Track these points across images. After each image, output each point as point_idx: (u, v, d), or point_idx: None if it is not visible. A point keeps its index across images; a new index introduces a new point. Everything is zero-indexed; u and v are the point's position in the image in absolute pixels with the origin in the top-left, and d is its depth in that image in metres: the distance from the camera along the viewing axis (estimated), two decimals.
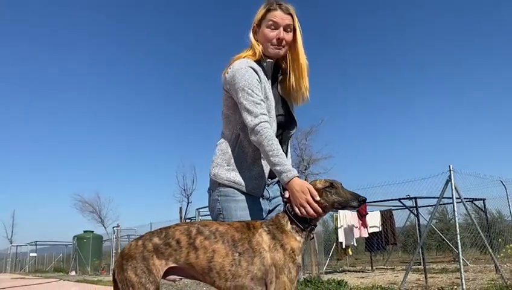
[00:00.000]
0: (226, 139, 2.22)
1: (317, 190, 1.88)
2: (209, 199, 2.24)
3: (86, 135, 51.90)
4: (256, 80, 2.11)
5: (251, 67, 2.13)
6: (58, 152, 55.59)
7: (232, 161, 2.16)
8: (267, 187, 2.24)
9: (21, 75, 50.14)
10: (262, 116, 2.03)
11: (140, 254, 1.77)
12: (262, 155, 2.09)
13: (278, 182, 2.33)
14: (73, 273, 21.65)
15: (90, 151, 55.15)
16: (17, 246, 34.03)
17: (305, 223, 1.88)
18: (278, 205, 2.29)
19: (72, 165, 55.36)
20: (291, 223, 1.88)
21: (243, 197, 2.12)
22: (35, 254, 32.19)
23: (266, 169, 2.16)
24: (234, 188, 2.12)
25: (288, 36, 2.21)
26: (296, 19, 2.24)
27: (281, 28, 2.18)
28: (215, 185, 2.18)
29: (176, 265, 1.79)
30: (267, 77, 2.22)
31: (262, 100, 2.08)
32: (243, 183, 2.11)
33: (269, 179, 2.24)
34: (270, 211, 2.24)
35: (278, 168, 1.95)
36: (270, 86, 2.23)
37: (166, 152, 50.11)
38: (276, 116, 2.20)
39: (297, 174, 1.94)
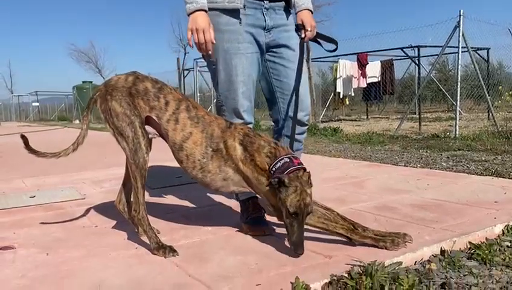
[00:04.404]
0: None
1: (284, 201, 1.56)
2: None
3: None
4: None
5: None
6: None
7: None
8: (264, 11, 1.97)
9: None
10: None
11: (127, 90, 1.71)
12: None
13: (285, 8, 2.06)
14: (76, 121, 22.35)
15: None
16: (18, 96, 34.58)
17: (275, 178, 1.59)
18: (281, 42, 2.01)
19: (65, 12, 53.18)
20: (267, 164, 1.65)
21: (228, 27, 1.91)
22: (37, 104, 32.91)
23: None
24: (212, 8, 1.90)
25: None
26: None
27: None
28: None
29: (156, 120, 1.74)
30: None
31: None
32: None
33: (266, 1, 1.97)
34: (269, 47, 2.01)
35: None
36: None
37: None
38: None
39: (204, 8, 1.81)
